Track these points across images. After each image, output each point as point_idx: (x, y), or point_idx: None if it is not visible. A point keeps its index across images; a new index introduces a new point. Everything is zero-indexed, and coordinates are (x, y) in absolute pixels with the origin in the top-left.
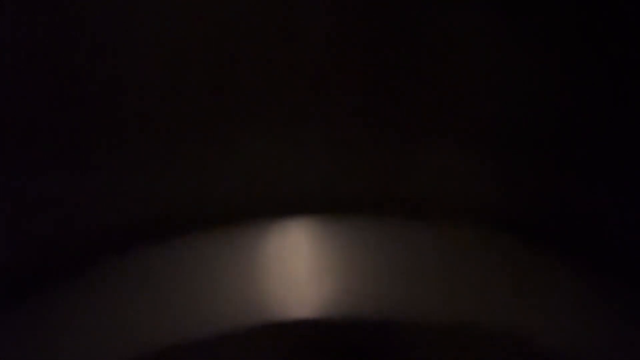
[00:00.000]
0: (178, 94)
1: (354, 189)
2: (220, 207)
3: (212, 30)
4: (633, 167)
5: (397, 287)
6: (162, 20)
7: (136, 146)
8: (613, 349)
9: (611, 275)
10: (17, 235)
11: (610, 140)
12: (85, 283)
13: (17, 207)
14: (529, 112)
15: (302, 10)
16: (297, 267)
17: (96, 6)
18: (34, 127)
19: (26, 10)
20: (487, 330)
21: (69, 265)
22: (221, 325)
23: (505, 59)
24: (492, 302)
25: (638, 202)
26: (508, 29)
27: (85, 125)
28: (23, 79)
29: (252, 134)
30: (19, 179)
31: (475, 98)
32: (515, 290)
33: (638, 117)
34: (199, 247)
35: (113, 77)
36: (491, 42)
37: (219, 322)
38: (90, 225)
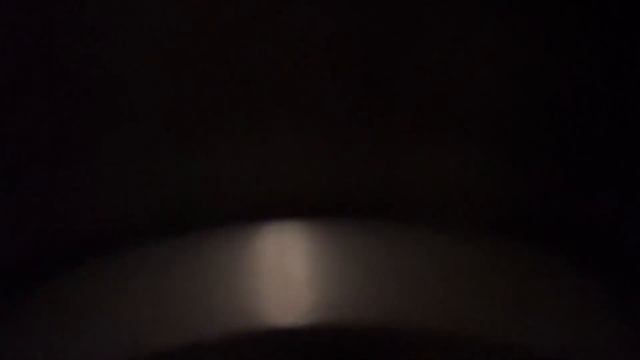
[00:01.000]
0: (173, 93)
1: (349, 192)
2: (210, 210)
3: (211, 30)
4: (635, 168)
5: (392, 293)
6: (161, 21)
7: (127, 146)
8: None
9: (615, 279)
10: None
11: (612, 140)
12: (70, 285)
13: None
14: (528, 110)
15: (300, 8)
16: (290, 272)
17: (95, 6)
18: (32, 126)
19: (26, 10)
20: (485, 339)
21: (53, 266)
22: (212, 331)
23: (504, 54)
24: (491, 310)
25: (631, 197)
26: (508, 24)
27: (78, 124)
28: (22, 78)
29: (244, 136)
30: (15, 179)
31: (473, 96)
32: (515, 297)
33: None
34: (188, 250)
35: (111, 77)
36: (490, 38)
37: (210, 328)
38: (78, 225)
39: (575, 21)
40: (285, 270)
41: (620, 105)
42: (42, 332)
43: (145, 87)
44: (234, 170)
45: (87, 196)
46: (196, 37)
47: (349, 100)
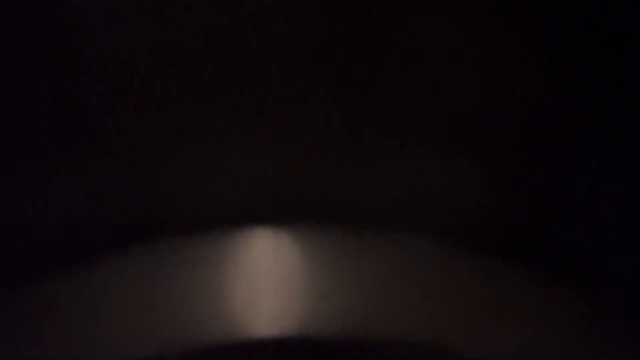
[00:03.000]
0: (161, 101)
1: (323, 199)
2: (183, 216)
3: (198, 35)
4: (624, 186)
5: (364, 304)
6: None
7: (115, 152)
8: None
9: (599, 296)
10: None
11: (601, 156)
12: (52, 290)
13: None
14: (514, 120)
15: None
16: (262, 281)
17: (94, 8)
18: (26, 126)
19: (26, 10)
20: (455, 349)
21: (35, 269)
22: (192, 340)
23: (490, 61)
24: (462, 320)
25: (614, 213)
26: (491, 24)
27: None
28: (21, 78)
29: (219, 141)
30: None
31: (457, 104)
32: (488, 308)
33: (627, 122)
34: (160, 258)
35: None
36: (476, 45)
37: (191, 337)
38: (65, 228)
39: (562, 30)
40: (255, 281)
41: (611, 121)
42: (19, 338)
43: (135, 92)
44: (218, 177)
45: (72, 199)
46: (185, 41)
47: (332, 108)
